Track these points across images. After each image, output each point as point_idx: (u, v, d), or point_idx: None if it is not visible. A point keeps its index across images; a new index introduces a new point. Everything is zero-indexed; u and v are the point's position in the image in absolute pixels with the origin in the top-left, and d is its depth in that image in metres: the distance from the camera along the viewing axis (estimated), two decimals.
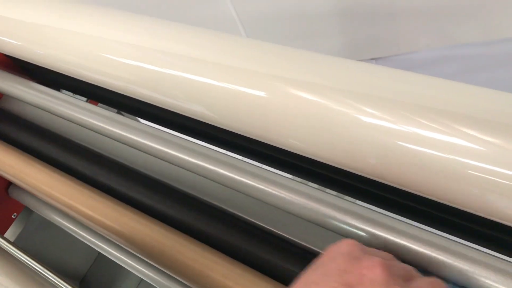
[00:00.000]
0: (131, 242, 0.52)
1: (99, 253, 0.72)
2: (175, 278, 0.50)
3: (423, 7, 1.36)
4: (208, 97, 0.44)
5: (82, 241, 0.73)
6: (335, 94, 0.37)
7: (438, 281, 0.32)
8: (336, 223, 0.41)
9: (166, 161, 0.53)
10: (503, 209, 0.32)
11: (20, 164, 0.63)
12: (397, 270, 0.31)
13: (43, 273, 0.55)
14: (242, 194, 0.49)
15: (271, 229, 0.51)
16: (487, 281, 0.35)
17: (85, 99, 0.82)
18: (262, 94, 0.40)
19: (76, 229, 0.73)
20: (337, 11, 1.44)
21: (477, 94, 0.35)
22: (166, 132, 0.55)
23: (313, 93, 0.38)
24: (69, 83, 0.74)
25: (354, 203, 0.43)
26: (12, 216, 0.85)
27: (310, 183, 0.55)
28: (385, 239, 0.39)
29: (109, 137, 0.59)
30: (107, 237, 0.56)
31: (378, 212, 0.42)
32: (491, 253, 0.37)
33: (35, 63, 0.61)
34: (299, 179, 0.54)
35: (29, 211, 0.86)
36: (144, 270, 0.66)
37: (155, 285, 0.65)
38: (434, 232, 0.39)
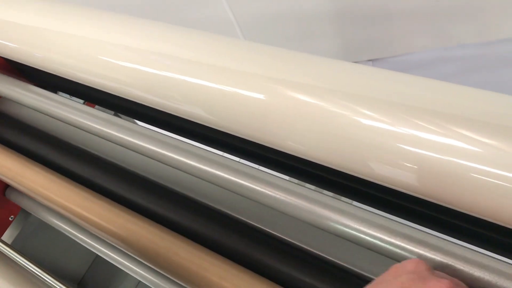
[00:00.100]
0: (128, 244, 0.52)
1: (97, 255, 0.72)
2: (172, 280, 0.50)
3: (419, 8, 1.36)
4: (205, 99, 0.44)
5: (79, 243, 0.73)
6: (333, 96, 0.37)
7: None
8: (339, 226, 0.41)
9: (163, 163, 0.53)
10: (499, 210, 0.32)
11: (17, 166, 0.63)
12: None
13: (41, 275, 0.55)
14: (238, 196, 0.49)
15: (268, 230, 0.52)
16: None
17: (82, 101, 0.82)
18: (260, 96, 0.41)
19: (73, 231, 0.73)
20: (334, 13, 1.45)
21: (474, 96, 0.35)
22: (162, 134, 0.55)
23: (311, 95, 0.38)
24: (66, 86, 0.74)
25: (351, 204, 0.43)
26: (9, 219, 0.84)
27: (308, 185, 0.55)
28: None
29: (106, 139, 0.59)
30: (104, 239, 0.56)
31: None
32: None
33: (32, 65, 0.61)
34: (296, 181, 0.54)
35: (26, 214, 0.86)
36: (142, 272, 0.66)
37: (152, 287, 0.65)
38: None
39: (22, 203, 0.80)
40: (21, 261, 0.57)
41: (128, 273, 0.67)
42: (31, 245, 0.88)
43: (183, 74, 0.45)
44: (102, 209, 0.55)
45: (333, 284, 0.43)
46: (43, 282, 0.53)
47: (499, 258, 0.37)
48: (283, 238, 0.50)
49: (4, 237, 0.83)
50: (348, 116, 0.36)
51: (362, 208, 0.42)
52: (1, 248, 0.59)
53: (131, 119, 0.84)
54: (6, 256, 0.58)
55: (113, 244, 0.55)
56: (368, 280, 0.38)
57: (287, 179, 0.48)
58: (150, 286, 0.65)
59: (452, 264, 0.36)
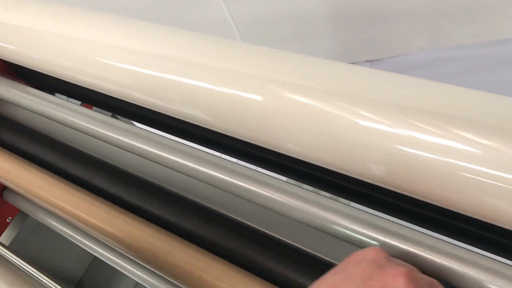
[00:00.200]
0: (125, 245, 0.52)
1: (95, 256, 0.72)
2: (170, 281, 0.50)
3: (417, 9, 1.36)
4: (203, 101, 0.44)
5: (77, 245, 0.72)
6: (331, 97, 0.38)
7: None
8: (336, 227, 0.42)
9: (161, 164, 0.53)
10: (503, 212, 0.32)
11: (14, 168, 0.63)
12: (422, 282, 0.31)
13: (39, 277, 0.55)
14: (236, 197, 0.49)
15: (265, 231, 0.52)
16: None
17: (79, 102, 0.81)
18: (258, 98, 0.41)
19: (71, 233, 0.73)
20: (332, 13, 1.45)
21: (472, 97, 0.35)
22: (160, 135, 0.55)
23: (309, 96, 0.38)
24: (63, 87, 0.74)
25: (349, 205, 0.43)
26: (7, 220, 0.84)
27: (305, 185, 0.55)
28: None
29: (103, 141, 0.59)
30: (102, 240, 0.56)
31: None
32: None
33: (29, 67, 0.61)
34: (293, 182, 0.54)
35: (24, 215, 0.86)
36: (140, 273, 0.66)
37: None
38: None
39: (19, 205, 0.80)
40: (18, 263, 0.57)
41: (126, 275, 0.67)
42: (29, 246, 0.88)
43: (181, 76, 0.45)
44: (100, 210, 0.55)
45: None
46: (41, 284, 0.53)
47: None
48: (281, 239, 0.51)
49: (1, 239, 0.83)
50: (346, 118, 0.36)
51: (360, 209, 0.42)
52: None
53: (129, 120, 0.85)
54: (4, 258, 0.58)
55: (111, 245, 0.55)
56: None
57: (285, 180, 0.48)
58: (148, 287, 0.65)
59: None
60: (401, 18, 1.41)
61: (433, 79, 0.38)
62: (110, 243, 0.54)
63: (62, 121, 0.62)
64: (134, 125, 0.62)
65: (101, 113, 0.61)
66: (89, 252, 0.71)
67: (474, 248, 0.44)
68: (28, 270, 0.56)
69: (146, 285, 0.66)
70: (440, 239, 0.38)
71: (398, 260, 0.35)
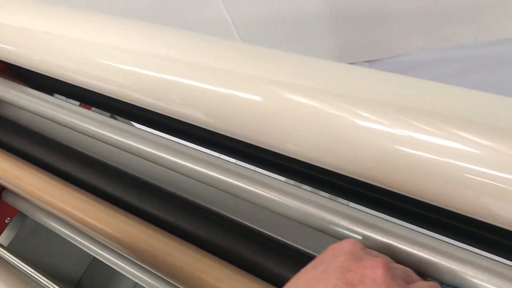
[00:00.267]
0: (124, 246, 0.52)
1: (94, 257, 0.72)
2: (169, 282, 0.50)
3: (416, 9, 1.36)
4: (202, 101, 0.44)
5: (76, 246, 0.72)
6: (330, 98, 0.38)
7: (436, 284, 0.33)
8: (331, 226, 0.42)
9: (160, 165, 0.53)
10: (496, 211, 0.32)
11: (13, 168, 0.63)
12: (398, 271, 0.32)
13: (38, 278, 0.55)
14: (235, 197, 0.49)
15: (264, 231, 0.52)
16: (480, 282, 0.35)
17: (78, 103, 0.81)
18: (257, 98, 0.41)
19: (70, 233, 0.73)
20: (331, 14, 1.45)
21: (471, 97, 0.35)
22: (159, 136, 0.55)
23: (309, 97, 0.38)
24: (62, 88, 0.74)
25: (347, 205, 0.43)
26: (6, 221, 0.84)
27: (304, 186, 0.55)
28: (380, 242, 0.39)
29: (102, 141, 0.59)
30: (101, 241, 0.55)
31: (372, 214, 0.42)
32: (484, 254, 0.37)
33: (28, 68, 0.61)
34: (292, 182, 0.54)
35: (22, 216, 0.86)
36: (139, 274, 0.66)
37: None
38: (428, 234, 0.39)
39: (18, 206, 0.80)
40: (17, 264, 0.57)
41: (125, 275, 0.67)
42: (28, 247, 0.88)
43: (180, 76, 0.45)
44: (99, 211, 0.55)
45: None
46: (40, 284, 0.53)
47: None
48: (280, 239, 0.51)
49: (0, 240, 0.83)
50: (346, 118, 0.36)
51: (360, 210, 0.42)
52: None
53: (128, 121, 0.84)
54: (3, 258, 0.58)
55: (110, 246, 0.55)
56: None
57: (283, 180, 0.48)
58: None
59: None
60: (401, 18, 1.40)
61: (432, 79, 0.38)
62: (109, 243, 0.54)
63: (61, 121, 0.62)
64: (133, 125, 0.62)
65: (100, 113, 0.61)
66: (88, 253, 0.71)
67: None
68: (27, 271, 0.56)
69: (145, 286, 0.66)
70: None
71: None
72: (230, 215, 0.54)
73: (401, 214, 0.49)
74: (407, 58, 1.55)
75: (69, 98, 0.79)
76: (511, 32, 1.35)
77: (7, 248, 0.60)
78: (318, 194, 0.44)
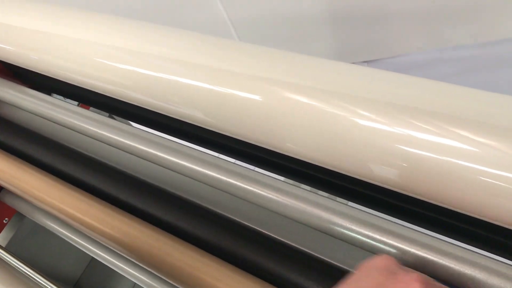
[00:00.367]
0: (123, 246, 0.52)
1: (92, 257, 0.71)
2: (168, 282, 0.50)
3: (415, 9, 1.36)
4: (202, 101, 0.44)
5: (75, 246, 0.72)
6: (330, 97, 0.37)
7: None
8: (330, 225, 0.41)
9: (158, 165, 0.53)
10: (496, 211, 0.32)
11: (11, 168, 0.63)
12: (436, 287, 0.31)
13: (36, 278, 0.54)
14: (234, 197, 0.49)
15: (263, 231, 0.51)
16: None
17: (76, 103, 0.81)
18: (257, 97, 0.40)
19: (68, 234, 0.73)
20: (330, 14, 1.45)
21: (470, 96, 0.35)
22: (157, 135, 0.55)
23: (308, 96, 0.38)
24: (60, 87, 0.74)
25: (346, 204, 0.43)
26: (4, 221, 0.84)
27: (303, 185, 0.55)
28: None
29: (101, 141, 0.58)
30: (100, 241, 0.55)
31: (372, 213, 0.41)
32: None
33: (26, 67, 0.61)
34: (291, 181, 0.54)
35: (21, 216, 0.85)
36: (137, 274, 0.65)
37: None
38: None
39: (16, 206, 0.80)
40: (15, 264, 0.57)
41: (123, 276, 0.67)
42: (26, 247, 0.87)
43: (179, 76, 0.45)
44: (97, 211, 0.55)
45: (328, 285, 0.42)
46: (38, 285, 0.53)
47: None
48: (279, 239, 0.50)
49: None
50: (346, 117, 0.36)
51: (358, 209, 0.42)
52: None
53: (126, 120, 0.84)
54: (1, 259, 0.57)
55: (109, 246, 0.54)
56: None
57: (282, 179, 0.48)
58: None
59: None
60: (400, 18, 1.40)
61: (432, 79, 0.38)
62: (107, 244, 0.54)
63: (59, 121, 0.62)
64: (131, 125, 0.62)
65: (98, 113, 0.61)
66: (86, 253, 0.71)
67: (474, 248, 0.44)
68: (25, 271, 0.55)
69: (143, 286, 0.65)
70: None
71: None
72: (229, 215, 0.54)
73: (401, 214, 0.49)
74: (407, 58, 1.55)
75: (67, 98, 0.79)
76: (511, 32, 1.35)
77: (5, 249, 0.60)
78: (317, 194, 0.44)
